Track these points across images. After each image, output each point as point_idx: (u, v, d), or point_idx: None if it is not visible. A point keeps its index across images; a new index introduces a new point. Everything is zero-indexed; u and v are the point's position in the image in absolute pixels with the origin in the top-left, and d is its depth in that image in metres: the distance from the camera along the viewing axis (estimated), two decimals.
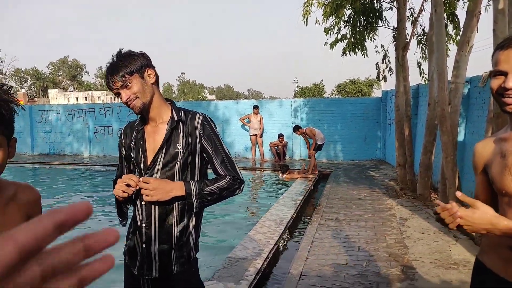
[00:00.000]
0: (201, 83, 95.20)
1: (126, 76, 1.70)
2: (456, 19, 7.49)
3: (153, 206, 1.79)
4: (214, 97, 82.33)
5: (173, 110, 1.85)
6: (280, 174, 9.88)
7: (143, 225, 1.81)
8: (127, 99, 1.73)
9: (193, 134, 1.82)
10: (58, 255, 0.33)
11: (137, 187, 1.70)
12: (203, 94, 77.97)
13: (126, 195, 1.71)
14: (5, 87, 1.18)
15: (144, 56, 1.79)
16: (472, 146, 1.64)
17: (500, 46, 1.37)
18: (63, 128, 15.54)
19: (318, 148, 9.97)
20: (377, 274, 3.89)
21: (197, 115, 1.86)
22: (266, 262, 4.19)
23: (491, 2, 4.47)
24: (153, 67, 1.81)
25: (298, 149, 13.19)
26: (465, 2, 5.30)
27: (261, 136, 12.64)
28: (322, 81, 41.25)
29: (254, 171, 11.41)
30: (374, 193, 7.71)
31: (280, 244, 4.93)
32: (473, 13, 5.15)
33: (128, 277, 1.93)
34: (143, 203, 1.80)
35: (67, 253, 0.33)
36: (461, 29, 5.80)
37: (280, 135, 12.49)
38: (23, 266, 0.30)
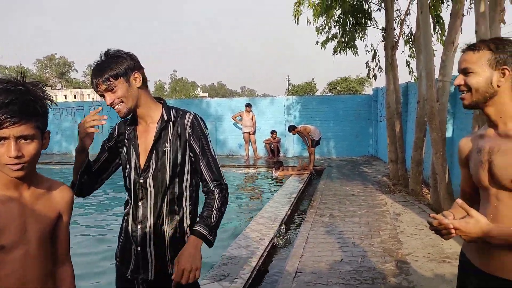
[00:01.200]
0: (193, 80, 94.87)
1: (111, 80, 1.67)
2: (441, 21, 7.68)
3: (149, 208, 1.79)
4: (206, 95, 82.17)
5: (163, 109, 1.84)
6: (274, 171, 10.01)
7: (139, 227, 1.80)
8: (111, 102, 1.71)
9: (182, 133, 1.81)
10: None
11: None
12: (195, 91, 77.81)
13: (96, 130, 1.76)
14: (40, 85, 1.30)
15: (132, 58, 1.75)
16: None
17: (462, 49, 1.54)
18: (51, 127, 15.36)
19: (316, 143, 10.19)
20: (372, 269, 4.01)
21: (188, 114, 1.85)
22: (261, 260, 4.26)
23: (473, 5, 4.62)
24: (141, 69, 1.78)
25: (291, 146, 13.33)
26: (449, 5, 5.46)
27: (254, 134, 12.75)
28: (313, 79, 41.50)
29: (248, 168, 11.53)
30: (367, 189, 7.87)
31: (275, 242, 5.04)
32: (456, 15, 5.32)
33: (121, 280, 1.92)
34: (140, 203, 1.80)
35: None
36: (446, 30, 5.96)
37: (273, 132, 12.62)
38: None
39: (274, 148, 12.95)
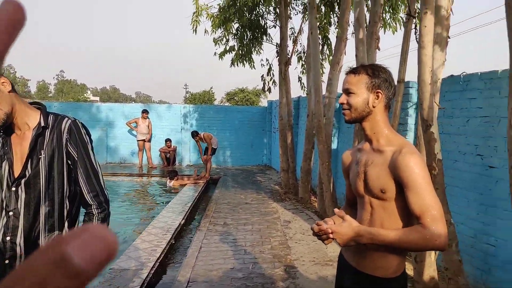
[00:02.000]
0: (83, 83, 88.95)
1: None
2: (329, 42, 8.36)
3: (20, 218, 1.68)
4: (97, 98, 77.55)
5: (41, 115, 1.72)
6: (169, 181, 9.84)
7: (8, 238, 1.68)
8: None
9: (59, 140, 1.72)
10: None
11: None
12: (85, 95, 72.89)
13: None
14: None
15: None
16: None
17: (346, 71, 1.73)
18: None
19: (213, 152, 10.29)
20: (262, 275, 4.16)
21: (65, 119, 1.75)
22: (152, 271, 4.16)
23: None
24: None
25: (187, 154, 13.23)
26: (336, 29, 6.00)
27: (149, 141, 12.39)
28: (212, 88, 41.74)
29: (141, 177, 11.16)
30: (260, 197, 8.15)
31: (167, 252, 4.96)
32: (341, 38, 5.87)
33: None
34: (11, 213, 1.68)
35: None
36: (333, 51, 6.52)
37: (167, 140, 12.39)
38: None
39: (170, 157, 12.71)
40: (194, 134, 10.32)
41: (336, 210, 1.61)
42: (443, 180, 3.22)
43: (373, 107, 1.64)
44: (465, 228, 4.06)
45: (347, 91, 1.67)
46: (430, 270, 3.64)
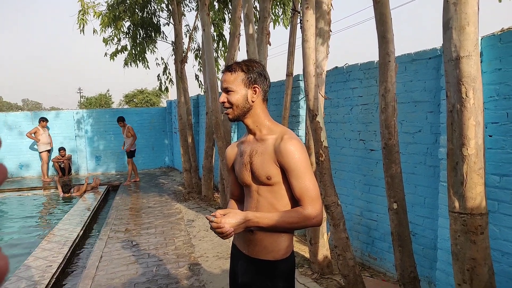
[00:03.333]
0: None
1: None
2: (224, 38, 8.45)
3: None
4: None
5: None
6: (62, 194, 9.14)
7: None
8: None
9: None
10: None
11: None
12: None
13: None
14: None
15: None
16: None
17: (223, 69, 1.75)
18: None
19: (132, 154, 10.13)
20: (166, 276, 4.10)
21: None
22: None
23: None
24: None
25: (84, 162, 12.43)
26: (229, 25, 6.09)
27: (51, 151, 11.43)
28: (108, 90, 39.75)
29: (33, 190, 10.20)
30: (163, 200, 7.98)
31: (64, 267, 4.64)
32: (234, 35, 5.97)
33: None
34: None
35: None
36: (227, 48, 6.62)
37: (61, 149, 11.51)
38: None
39: (64, 166, 11.79)
40: (122, 119, 10.01)
41: (217, 213, 1.58)
42: (330, 165, 3.46)
43: (252, 101, 1.70)
44: (352, 208, 4.42)
45: (226, 90, 1.70)
46: (323, 250, 3.91)
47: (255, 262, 1.74)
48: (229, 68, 1.70)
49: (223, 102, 1.71)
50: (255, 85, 1.71)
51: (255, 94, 1.71)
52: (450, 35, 2.18)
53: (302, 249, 4.62)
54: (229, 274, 1.96)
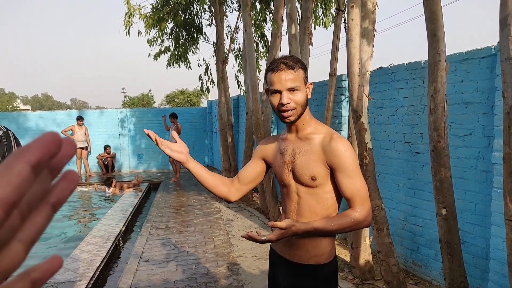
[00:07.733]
0: (11, 91, 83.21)
1: None
2: (265, 39, 8.44)
3: None
4: (29, 107, 72.78)
5: None
6: (107, 189, 9.46)
7: None
8: None
9: None
10: None
11: None
12: (14, 104, 68.17)
13: None
14: None
15: None
16: None
17: (271, 69, 1.62)
18: None
19: None
20: (205, 275, 4.13)
21: None
22: (92, 282, 4.02)
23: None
24: None
25: (127, 160, 12.81)
26: (271, 25, 6.06)
27: (86, 149, 11.86)
28: (150, 90, 40.84)
29: (80, 186, 10.62)
30: (202, 198, 8.07)
31: (108, 261, 4.78)
32: (276, 35, 5.94)
33: None
34: None
35: None
36: (269, 48, 6.59)
37: (107, 146, 11.95)
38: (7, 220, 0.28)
39: (108, 164, 12.22)
40: (175, 116, 10.12)
41: (270, 223, 1.51)
42: (374, 168, 3.36)
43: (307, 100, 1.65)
44: (396, 212, 4.27)
45: (291, 89, 1.57)
46: (365, 254, 3.80)
47: (298, 267, 1.69)
48: (289, 66, 1.58)
49: (287, 103, 1.57)
50: (310, 82, 1.66)
51: (309, 91, 1.66)
52: (508, 33, 2.06)
53: (342, 253, 4.52)
54: (268, 279, 1.92)
